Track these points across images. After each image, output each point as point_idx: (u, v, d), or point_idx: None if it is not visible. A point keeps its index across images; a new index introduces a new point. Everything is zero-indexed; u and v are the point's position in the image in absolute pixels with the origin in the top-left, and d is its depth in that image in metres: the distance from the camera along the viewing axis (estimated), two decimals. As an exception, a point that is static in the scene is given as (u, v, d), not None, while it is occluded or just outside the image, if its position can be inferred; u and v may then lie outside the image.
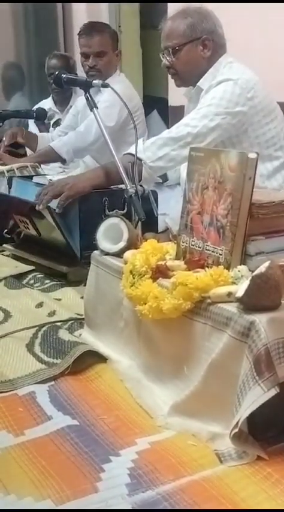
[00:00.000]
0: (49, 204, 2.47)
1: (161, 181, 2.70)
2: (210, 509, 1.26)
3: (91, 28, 3.30)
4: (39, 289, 2.51)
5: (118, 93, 2.40)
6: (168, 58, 2.47)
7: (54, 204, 2.47)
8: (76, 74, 3.51)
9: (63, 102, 4.02)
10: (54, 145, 3.20)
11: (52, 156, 3.17)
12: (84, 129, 3.18)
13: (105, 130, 2.40)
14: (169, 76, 2.60)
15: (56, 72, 2.63)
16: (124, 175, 2.23)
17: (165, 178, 2.70)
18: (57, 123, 3.85)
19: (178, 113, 2.98)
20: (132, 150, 2.33)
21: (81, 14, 4.91)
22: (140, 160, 2.33)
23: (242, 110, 2.36)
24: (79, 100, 3.53)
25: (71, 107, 3.81)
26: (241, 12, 3.13)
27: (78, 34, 3.34)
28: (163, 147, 2.35)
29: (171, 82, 3.66)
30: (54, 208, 2.48)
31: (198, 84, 2.48)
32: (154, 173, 2.40)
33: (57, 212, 2.46)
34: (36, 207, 2.48)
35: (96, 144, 3.11)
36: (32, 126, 4.09)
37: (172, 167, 2.46)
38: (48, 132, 3.78)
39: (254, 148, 2.38)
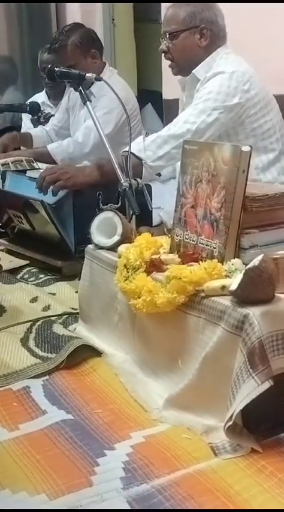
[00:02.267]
0: (43, 199, 2.46)
1: (159, 177, 2.69)
2: (204, 509, 1.26)
3: (55, 44, 3.16)
4: (33, 284, 2.50)
5: (113, 88, 2.37)
6: (165, 43, 2.48)
7: (47, 198, 2.46)
8: None
9: (56, 96, 3.99)
10: (51, 149, 3.14)
11: (47, 159, 3.13)
12: (82, 140, 3.13)
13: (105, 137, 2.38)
14: (163, 69, 2.60)
15: (49, 66, 2.61)
16: (118, 170, 2.22)
17: (159, 173, 2.69)
18: (49, 118, 3.82)
19: (173, 106, 2.97)
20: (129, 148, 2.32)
21: (74, 9, 4.88)
22: (140, 160, 2.33)
23: (239, 103, 2.36)
24: (73, 92, 3.49)
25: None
26: (235, 5, 3.11)
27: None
28: (164, 145, 2.35)
29: (165, 75, 3.67)
30: (48, 203, 2.47)
31: (193, 71, 2.48)
32: (154, 172, 2.40)
33: (51, 200, 2.44)
34: (38, 191, 2.45)
35: (93, 153, 3.10)
36: (27, 120, 4.06)
37: (172, 164, 2.46)
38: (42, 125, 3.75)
39: (250, 140, 2.38)
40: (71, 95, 3.42)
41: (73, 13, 4.77)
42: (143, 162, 2.33)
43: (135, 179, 2.26)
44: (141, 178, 2.32)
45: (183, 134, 2.34)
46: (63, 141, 3.22)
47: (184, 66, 2.51)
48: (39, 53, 4.04)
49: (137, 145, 2.34)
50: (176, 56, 2.49)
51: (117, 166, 2.22)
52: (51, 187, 2.43)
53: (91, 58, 3.17)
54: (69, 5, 4.98)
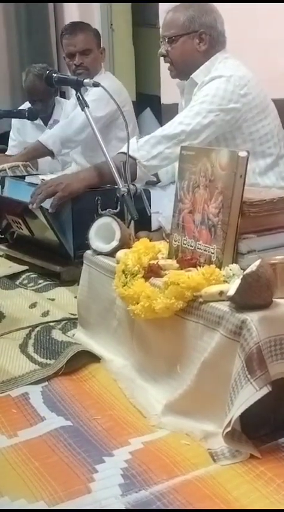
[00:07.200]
0: (41, 204, 2.47)
1: (155, 179, 2.70)
2: (204, 509, 1.26)
3: (74, 27, 3.32)
4: (32, 290, 2.50)
5: (106, 89, 2.39)
6: (164, 47, 2.49)
7: (46, 204, 2.47)
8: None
9: (45, 117, 3.92)
10: (41, 138, 3.20)
11: (40, 151, 3.15)
12: (70, 119, 3.20)
13: (94, 121, 2.41)
14: (162, 74, 2.61)
15: (47, 72, 2.62)
16: (116, 174, 2.22)
17: (157, 180, 2.70)
18: None
19: (171, 110, 2.97)
20: (124, 149, 2.33)
21: (72, 13, 4.89)
22: (134, 159, 2.33)
23: (235, 107, 2.36)
24: (68, 103, 3.53)
25: (53, 120, 3.79)
26: (233, 8, 3.12)
27: (61, 35, 3.34)
28: (157, 145, 2.36)
29: (164, 80, 3.67)
30: (46, 208, 2.47)
31: (191, 76, 2.48)
32: (148, 172, 2.40)
33: (50, 212, 2.45)
34: (29, 206, 2.47)
35: (83, 133, 3.10)
36: (30, 127, 3.97)
37: (167, 165, 2.46)
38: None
39: (247, 145, 2.38)
40: (67, 102, 3.48)
41: (72, 19, 4.78)
42: (137, 161, 2.34)
43: (133, 184, 2.26)
44: (135, 179, 2.33)
45: (177, 135, 2.34)
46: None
47: (182, 70, 2.52)
48: (23, 74, 3.95)
49: (131, 146, 2.35)
50: (175, 59, 2.50)
51: (114, 170, 2.22)
52: (51, 200, 2.43)
53: (100, 53, 3.32)
54: (67, 10, 4.99)
